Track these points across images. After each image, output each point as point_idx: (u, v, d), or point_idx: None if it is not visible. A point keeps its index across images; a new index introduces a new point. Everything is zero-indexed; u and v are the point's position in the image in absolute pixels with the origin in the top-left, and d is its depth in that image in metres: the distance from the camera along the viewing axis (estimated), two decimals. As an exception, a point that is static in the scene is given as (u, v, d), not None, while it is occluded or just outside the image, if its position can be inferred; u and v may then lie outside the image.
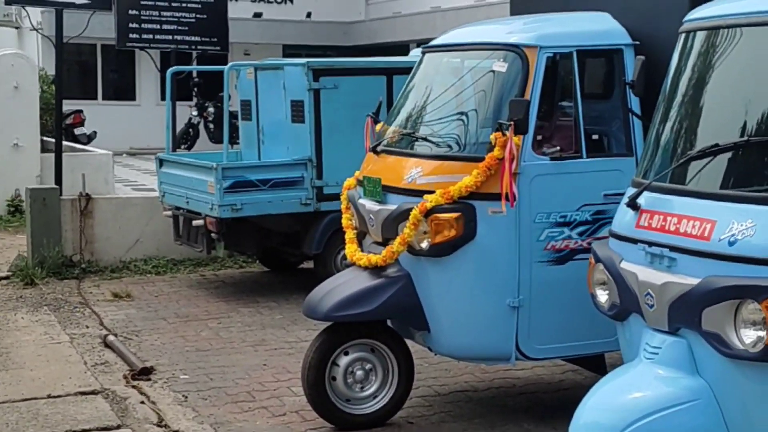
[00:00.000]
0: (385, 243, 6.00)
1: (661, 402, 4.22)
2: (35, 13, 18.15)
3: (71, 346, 8.02)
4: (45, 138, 15.06)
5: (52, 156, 13.06)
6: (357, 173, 6.48)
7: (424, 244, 5.77)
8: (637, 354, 4.53)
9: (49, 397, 6.79)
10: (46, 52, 22.29)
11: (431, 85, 6.43)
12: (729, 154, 4.33)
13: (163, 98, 23.21)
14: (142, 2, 13.97)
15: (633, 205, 4.63)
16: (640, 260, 4.50)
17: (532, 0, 6.96)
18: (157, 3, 14.03)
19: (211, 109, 23.14)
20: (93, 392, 6.86)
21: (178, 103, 12.66)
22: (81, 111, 21.67)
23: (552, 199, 5.79)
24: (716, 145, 4.32)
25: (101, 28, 15.97)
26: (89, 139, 20.98)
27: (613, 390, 4.40)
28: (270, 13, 27.08)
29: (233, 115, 11.87)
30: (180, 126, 21.51)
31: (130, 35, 14.01)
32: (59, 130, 13.12)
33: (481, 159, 5.66)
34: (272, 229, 9.69)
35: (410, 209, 5.75)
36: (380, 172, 6.20)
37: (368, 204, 6.20)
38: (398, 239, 5.84)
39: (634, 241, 4.56)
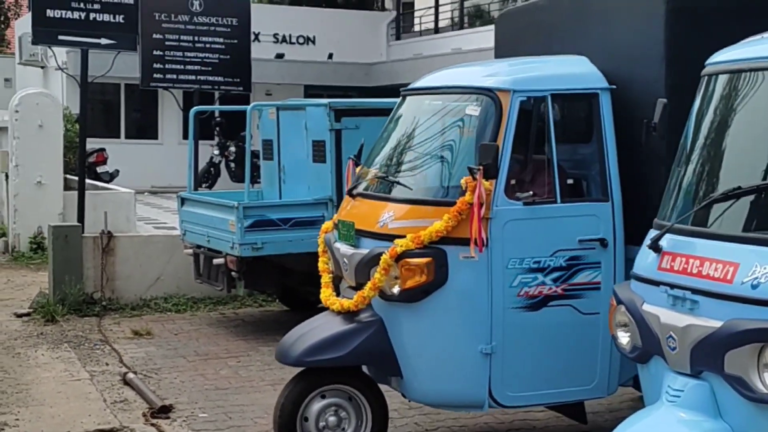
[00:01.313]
0: (358, 287, 5.91)
1: (684, 446, 4.19)
2: (61, 52, 18.35)
3: (91, 383, 8.03)
4: (68, 176, 15.17)
5: (74, 194, 13.14)
6: (335, 217, 6.44)
7: (395, 290, 5.69)
8: (658, 397, 4.50)
9: (67, 435, 6.79)
10: (70, 91, 22.50)
11: (408, 128, 6.36)
12: (752, 197, 4.32)
13: (185, 137, 23.33)
14: (167, 43, 14.10)
15: (655, 247, 4.62)
16: (662, 302, 4.49)
17: (516, 44, 6.98)
18: (182, 44, 14.17)
19: (232, 149, 23.27)
20: (112, 430, 6.86)
21: (200, 142, 12.73)
22: (104, 149, 21.82)
23: (525, 244, 5.71)
24: (739, 187, 4.32)
25: (125, 67, 16.10)
26: (112, 177, 21.11)
27: (634, 434, 4.37)
28: (292, 54, 27.28)
29: (255, 155, 11.94)
30: (202, 165, 21.63)
31: (155, 75, 14.14)
32: (82, 168, 13.22)
33: (453, 203, 5.59)
34: (292, 268, 9.70)
35: (381, 254, 5.67)
36: (354, 215, 6.14)
37: (342, 248, 6.13)
38: (369, 284, 5.75)
39: (656, 283, 4.54)
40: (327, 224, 6.52)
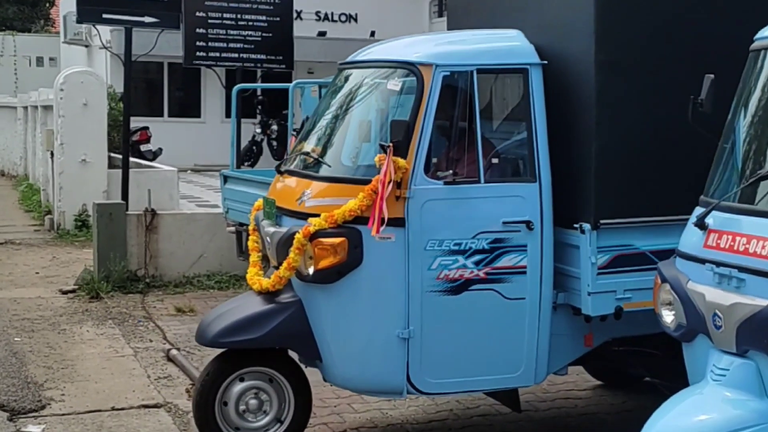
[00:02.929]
0: (279, 267, 5.73)
1: (729, 425, 4.15)
2: (104, 31, 18.48)
3: (135, 359, 8.11)
4: (112, 154, 15.29)
5: (118, 172, 13.26)
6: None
7: (310, 270, 5.51)
8: (703, 376, 4.47)
9: (113, 409, 6.87)
10: (114, 69, 22.63)
11: (335, 103, 6.17)
12: (800, 174, 4.26)
13: (227, 115, 23.39)
14: (210, 21, 14.13)
15: (701, 224, 4.56)
16: (708, 281, 4.44)
17: (464, 18, 6.84)
18: (224, 22, 14.18)
19: (274, 127, 23.30)
20: (156, 405, 6.93)
21: (242, 120, 12.76)
22: (147, 128, 21.94)
23: (445, 225, 5.48)
24: (787, 164, 4.26)
25: (168, 46, 16.19)
26: (155, 155, 21.23)
27: (679, 413, 4.33)
28: (334, 31, 27.26)
29: (297, 133, 11.96)
30: (244, 143, 21.69)
31: (197, 53, 14.17)
32: (126, 146, 13.31)
33: (369, 181, 5.40)
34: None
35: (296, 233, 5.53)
36: (277, 193, 6.01)
37: (267, 226, 5.95)
38: (284, 264, 5.58)
39: (702, 261, 4.49)
40: (259, 202, 6.27)
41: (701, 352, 4.55)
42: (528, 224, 5.57)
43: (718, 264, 4.38)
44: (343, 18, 28.07)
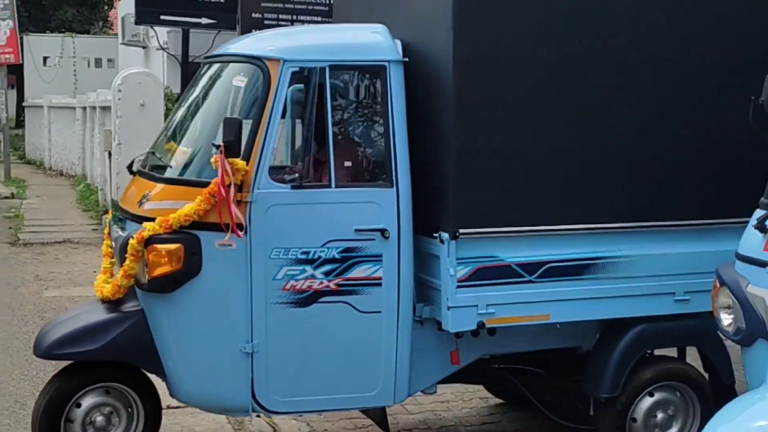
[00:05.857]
0: None
1: (789, 431, 4.08)
2: (162, 33, 18.64)
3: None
4: (168, 154, 15.42)
5: (174, 172, 13.34)
6: None
7: (146, 278, 5.13)
8: (762, 381, 4.39)
9: (168, 407, 6.88)
10: (171, 70, 22.82)
11: (190, 99, 5.82)
12: None
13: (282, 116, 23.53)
14: (266, 22, 14.21)
15: (761, 227, 4.49)
16: (768, 284, 4.37)
17: (347, 11, 6.51)
18: (280, 23, 14.25)
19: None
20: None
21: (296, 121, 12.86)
22: (202, 128, 22.10)
23: (292, 232, 5.13)
24: None
25: (224, 47, 16.36)
26: (210, 156, 21.37)
27: (738, 418, 4.26)
28: (389, 33, 27.29)
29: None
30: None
31: (253, 54, 14.30)
32: (182, 146, 13.41)
33: (208, 184, 5.02)
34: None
35: None
36: (123, 195, 5.67)
37: (114, 230, 5.61)
38: (120, 271, 5.23)
39: (762, 264, 4.43)
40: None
41: (761, 356, 4.48)
42: (383, 232, 5.22)
43: (779, 267, 4.32)
44: (398, 19, 28.04)
